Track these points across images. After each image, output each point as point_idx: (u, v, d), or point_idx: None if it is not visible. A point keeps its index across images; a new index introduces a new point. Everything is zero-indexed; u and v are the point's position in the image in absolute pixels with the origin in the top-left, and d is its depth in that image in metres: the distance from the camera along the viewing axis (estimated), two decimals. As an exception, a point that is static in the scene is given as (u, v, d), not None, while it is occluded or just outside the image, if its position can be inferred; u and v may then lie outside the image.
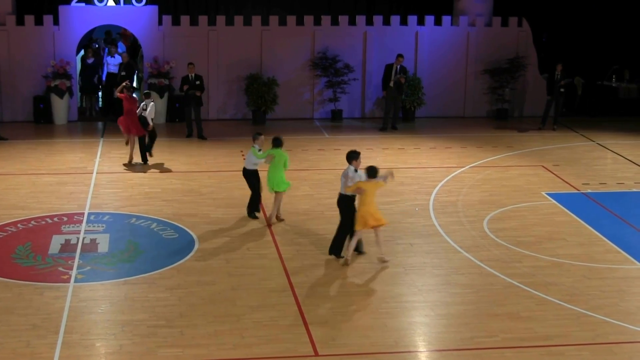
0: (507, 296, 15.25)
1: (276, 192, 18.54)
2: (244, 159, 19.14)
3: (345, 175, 16.48)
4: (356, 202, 16.44)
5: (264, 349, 13.09)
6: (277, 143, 18.42)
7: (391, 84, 27.55)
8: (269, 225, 18.47)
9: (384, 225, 16.50)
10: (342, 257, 16.62)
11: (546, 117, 28.06)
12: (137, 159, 23.00)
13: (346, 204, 16.57)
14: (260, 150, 18.55)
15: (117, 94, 23.07)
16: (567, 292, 15.44)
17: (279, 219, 18.76)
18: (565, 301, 15.02)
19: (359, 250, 16.86)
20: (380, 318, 14.23)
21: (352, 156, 16.57)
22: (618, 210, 19.94)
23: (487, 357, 13.08)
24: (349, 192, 16.33)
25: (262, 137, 18.77)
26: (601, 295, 15.30)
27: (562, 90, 27.67)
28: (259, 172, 18.80)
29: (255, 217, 18.90)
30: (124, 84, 22.98)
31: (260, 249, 17.23)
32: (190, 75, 25.97)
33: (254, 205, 19.02)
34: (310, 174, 22.35)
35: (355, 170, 16.46)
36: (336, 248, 16.74)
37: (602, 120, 29.45)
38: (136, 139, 22.79)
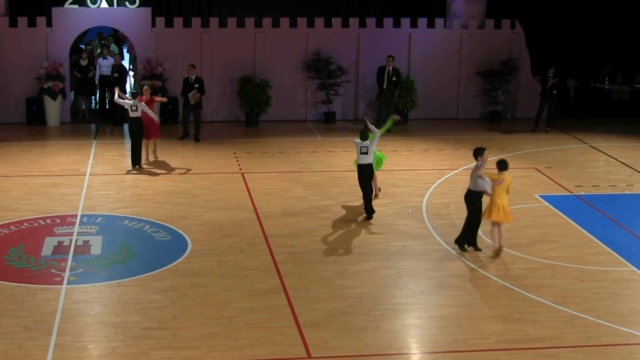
0: (500, 298, 15.27)
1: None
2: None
3: (477, 169, 16.96)
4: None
5: (257, 351, 13.10)
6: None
7: (384, 86, 27.59)
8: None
9: (509, 222, 17.15)
10: (465, 249, 17.25)
11: (539, 119, 28.09)
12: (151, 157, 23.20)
13: (474, 199, 17.09)
14: None
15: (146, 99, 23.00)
16: (559, 294, 15.46)
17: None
18: (557, 303, 15.04)
19: (475, 246, 17.36)
20: (373, 320, 14.24)
21: (478, 152, 17.10)
22: (610, 213, 19.98)
23: (480, 359, 13.09)
24: (485, 186, 16.88)
25: None
26: (594, 297, 15.33)
27: (554, 92, 27.70)
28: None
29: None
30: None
31: (253, 250, 17.23)
32: (190, 77, 25.94)
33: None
34: (303, 175, 22.35)
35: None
36: (462, 240, 17.35)
37: (595, 122, 29.48)
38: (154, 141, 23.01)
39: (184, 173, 22.53)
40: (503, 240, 17.11)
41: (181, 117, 26.66)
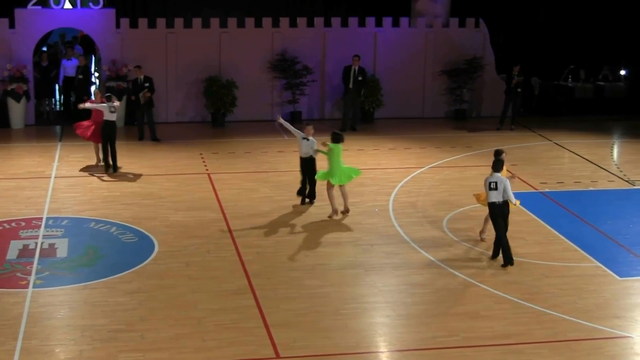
0: (467, 295, 15.35)
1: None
2: None
3: (502, 182, 16.58)
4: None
5: (225, 352, 13.09)
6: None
7: (350, 85, 27.63)
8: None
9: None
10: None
11: (504, 118, 28.23)
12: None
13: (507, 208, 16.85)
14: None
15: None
16: (526, 290, 15.56)
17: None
18: (524, 300, 15.14)
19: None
20: (341, 319, 14.27)
21: (502, 163, 16.88)
22: (575, 209, 20.13)
23: (448, 357, 13.16)
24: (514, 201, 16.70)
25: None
26: (560, 294, 15.45)
27: (518, 90, 27.86)
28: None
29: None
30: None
31: (221, 251, 17.21)
32: (139, 78, 25.90)
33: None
34: (270, 175, 22.34)
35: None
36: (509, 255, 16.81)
37: (559, 119, 29.68)
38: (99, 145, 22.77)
39: (151, 174, 22.44)
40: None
41: (136, 120, 26.53)
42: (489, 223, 17.40)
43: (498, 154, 17.16)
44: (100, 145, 22.71)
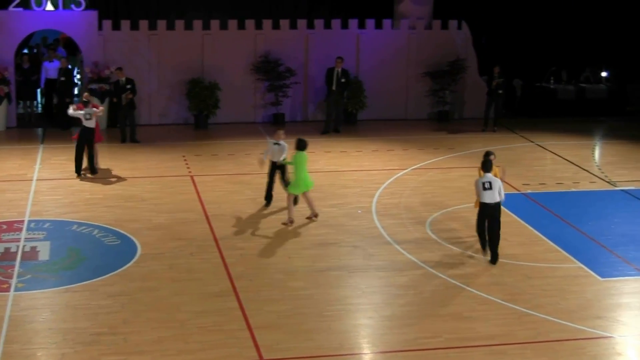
0: (450, 297, 15.37)
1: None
2: None
3: (497, 182, 16.69)
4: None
5: (209, 354, 13.06)
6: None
7: (333, 87, 27.65)
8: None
9: None
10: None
11: (487, 119, 28.29)
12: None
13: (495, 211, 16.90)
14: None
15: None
16: (509, 291, 15.59)
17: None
18: (507, 301, 15.17)
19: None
20: (324, 321, 14.26)
21: (492, 165, 16.96)
22: (557, 210, 20.19)
23: (431, 358, 13.17)
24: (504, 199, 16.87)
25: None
26: (542, 294, 15.49)
27: (500, 92, 27.93)
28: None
29: None
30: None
31: (204, 253, 17.18)
32: (120, 80, 25.86)
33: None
34: (253, 178, 22.30)
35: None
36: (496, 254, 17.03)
37: (541, 121, 29.77)
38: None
39: (133, 177, 22.39)
40: None
41: (118, 122, 26.46)
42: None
43: (488, 155, 17.21)
44: (92, 151, 22.63)
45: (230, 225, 18.82)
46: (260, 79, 28.77)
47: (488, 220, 16.81)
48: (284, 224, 18.92)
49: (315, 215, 19.26)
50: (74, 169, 22.47)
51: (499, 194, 16.61)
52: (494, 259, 16.85)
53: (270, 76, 28.63)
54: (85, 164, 22.46)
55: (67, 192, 21.01)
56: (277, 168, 19.84)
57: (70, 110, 22.61)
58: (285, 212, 19.13)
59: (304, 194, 19.14)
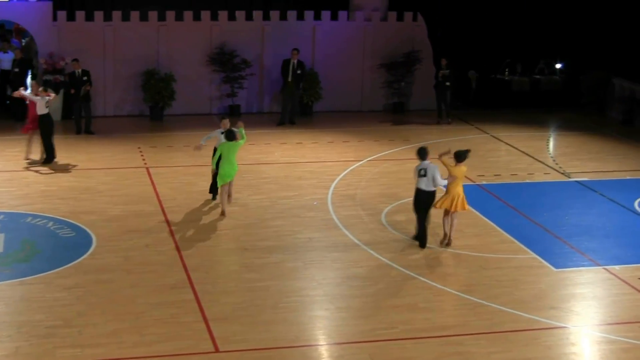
0: (406, 288, 15.46)
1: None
2: None
3: (432, 169, 16.87)
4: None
5: (165, 346, 13.04)
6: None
7: (289, 79, 27.64)
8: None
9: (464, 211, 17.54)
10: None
11: (440, 111, 28.42)
12: (35, 156, 22.66)
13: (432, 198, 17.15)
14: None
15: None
16: (464, 282, 15.72)
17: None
18: (462, 291, 15.29)
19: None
20: (280, 313, 14.29)
21: (427, 152, 17.14)
22: (512, 201, 20.36)
23: (387, 349, 13.24)
24: (443, 183, 17.05)
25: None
26: (497, 285, 15.63)
27: (447, 84, 28.03)
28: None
29: None
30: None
31: (159, 245, 17.14)
32: (76, 71, 25.68)
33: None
34: (209, 169, 22.20)
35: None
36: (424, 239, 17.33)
37: (496, 112, 29.93)
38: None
39: (88, 168, 22.25)
40: (454, 231, 17.43)
41: (73, 114, 26.27)
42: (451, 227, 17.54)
43: (464, 153, 17.37)
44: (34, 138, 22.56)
45: (185, 217, 18.77)
46: (216, 70, 28.67)
47: (422, 207, 17.12)
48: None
49: (222, 213, 19.04)
50: (27, 160, 22.36)
51: (434, 182, 16.86)
52: (422, 244, 17.29)
53: (226, 67, 28.54)
54: (32, 153, 22.46)
55: (21, 184, 20.83)
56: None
57: (22, 92, 22.52)
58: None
59: (229, 184, 19.08)
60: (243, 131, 18.99)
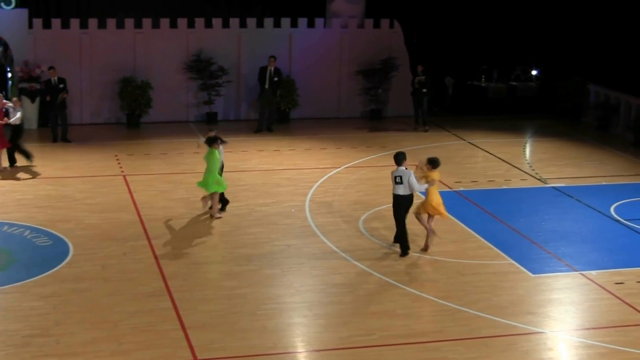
0: (384, 294, 15.48)
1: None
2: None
3: (407, 175, 16.94)
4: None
5: (143, 354, 13.00)
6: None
7: (266, 86, 27.65)
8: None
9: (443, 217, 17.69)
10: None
11: (418, 118, 28.49)
12: (5, 163, 22.59)
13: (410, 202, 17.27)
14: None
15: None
16: (441, 288, 15.75)
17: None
18: (440, 298, 15.32)
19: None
20: (258, 320, 14.28)
21: (403, 157, 17.22)
22: (489, 207, 20.42)
23: (365, 356, 13.26)
24: (421, 188, 17.19)
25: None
26: (475, 291, 15.67)
27: (424, 90, 28.10)
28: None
29: None
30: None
31: (137, 253, 17.09)
32: (52, 79, 25.60)
33: None
34: (187, 177, 22.20)
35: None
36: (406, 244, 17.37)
37: (473, 119, 30.04)
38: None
39: (65, 177, 22.17)
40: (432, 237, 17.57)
41: (49, 122, 26.19)
42: (432, 234, 17.61)
43: (434, 161, 17.55)
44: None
45: (163, 225, 18.73)
46: (193, 77, 28.65)
47: (402, 212, 17.26)
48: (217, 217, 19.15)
49: (212, 216, 19.22)
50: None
51: (410, 187, 16.98)
52: (404, 252, 17.34)
53: (203, 75, 28.52)
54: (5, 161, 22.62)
55: (-3, 193, 20.75)
56: None
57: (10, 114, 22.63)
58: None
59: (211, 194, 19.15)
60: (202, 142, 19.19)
